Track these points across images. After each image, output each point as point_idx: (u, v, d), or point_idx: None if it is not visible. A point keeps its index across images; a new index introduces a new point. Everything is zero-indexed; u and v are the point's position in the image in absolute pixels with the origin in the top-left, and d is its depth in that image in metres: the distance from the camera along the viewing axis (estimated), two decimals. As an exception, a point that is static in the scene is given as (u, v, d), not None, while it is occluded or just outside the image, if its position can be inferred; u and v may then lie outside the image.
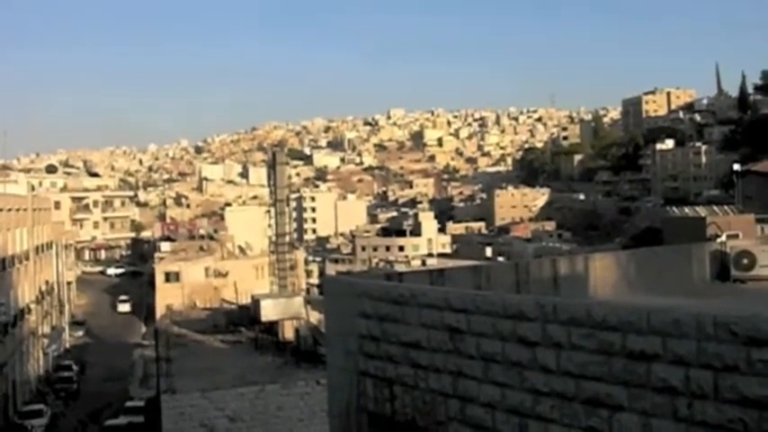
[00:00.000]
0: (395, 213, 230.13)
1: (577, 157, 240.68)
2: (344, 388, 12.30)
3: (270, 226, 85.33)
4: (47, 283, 74.90)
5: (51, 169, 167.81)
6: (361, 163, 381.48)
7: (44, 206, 78.63)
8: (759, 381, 6.76)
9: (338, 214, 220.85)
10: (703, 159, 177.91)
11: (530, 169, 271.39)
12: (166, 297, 76.51)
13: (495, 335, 9.26)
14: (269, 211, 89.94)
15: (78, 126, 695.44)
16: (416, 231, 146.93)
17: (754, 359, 6.79)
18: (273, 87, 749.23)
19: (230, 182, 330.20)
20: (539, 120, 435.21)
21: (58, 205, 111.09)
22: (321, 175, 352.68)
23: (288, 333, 51.02)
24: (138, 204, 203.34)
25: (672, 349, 7.41)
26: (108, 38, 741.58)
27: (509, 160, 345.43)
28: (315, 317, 52.70)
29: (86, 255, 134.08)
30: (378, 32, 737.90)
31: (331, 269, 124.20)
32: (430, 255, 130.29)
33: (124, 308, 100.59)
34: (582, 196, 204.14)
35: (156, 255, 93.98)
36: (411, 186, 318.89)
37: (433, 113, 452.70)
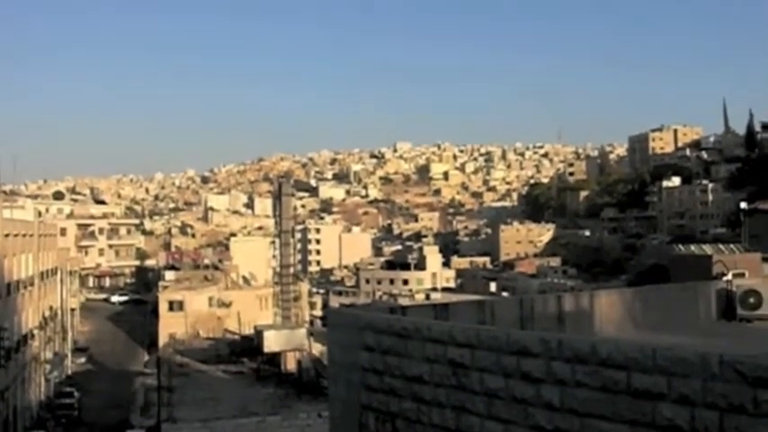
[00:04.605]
0: (399, 247, 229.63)
1: (583, 194, 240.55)
2: (346, 421, 12.22)
3: (274, 257, 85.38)
4: (51, 308, 74.77)
5: (58, 196, 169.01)
6: (367, 195, 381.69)
7: (50, 232, 78.68)
8: (765, 422, 6.70)
9: (343, 246, 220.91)
10: (710, 197, 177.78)
11: (535, 205, 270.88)
12: (170, 326, 76.57)
13: (499, 370, 9.19)
14: (274, 242, 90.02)
15: (86, 153, 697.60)
16: (421, 265, 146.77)
17: (761, 400, 6.73)
18: (280, 119, 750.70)
19: (236, 212, 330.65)
20: (545, 155, 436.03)
21: (63, 232, 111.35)
22: (326, 206, 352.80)
23: (290, 364, 50.98)
24: (144, 233, 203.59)
25: (677, 388, 7.35)
26: (117, 66, 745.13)
27: (515, 195, 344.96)
28: (317, 349, 52.63)
29: (91, 282, 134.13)
30: (385, 66, 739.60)
31: (335, 301, 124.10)
32: (434, 289, 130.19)
33: (122, 298, 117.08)
34: (587, 233, 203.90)
35: (161, 283, 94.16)
36: (416, 220, 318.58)
37: (439, 147, 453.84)
